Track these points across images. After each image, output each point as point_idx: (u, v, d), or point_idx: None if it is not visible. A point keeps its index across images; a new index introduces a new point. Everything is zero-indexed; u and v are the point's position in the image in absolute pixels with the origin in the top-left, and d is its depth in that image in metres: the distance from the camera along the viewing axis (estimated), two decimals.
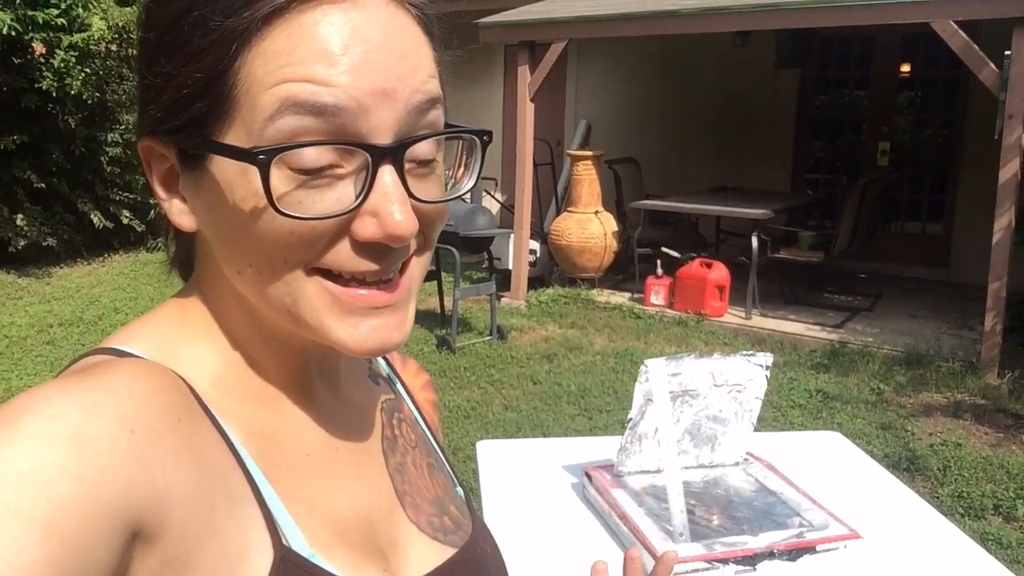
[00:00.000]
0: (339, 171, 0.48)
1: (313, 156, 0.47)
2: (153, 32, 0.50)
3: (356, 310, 0.51)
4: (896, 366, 5.34)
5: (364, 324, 0.51)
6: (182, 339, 0.55)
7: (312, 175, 0.47)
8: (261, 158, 0.46)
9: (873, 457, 1.71)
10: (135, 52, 0.53)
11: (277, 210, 0.47)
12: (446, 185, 0.56)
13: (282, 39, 0.46)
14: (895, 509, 1.45)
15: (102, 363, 0.50)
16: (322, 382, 0.60)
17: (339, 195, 0.48)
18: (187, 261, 0.61)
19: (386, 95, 0.48)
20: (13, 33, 6.66)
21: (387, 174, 0.48)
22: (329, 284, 0.50)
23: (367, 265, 0.50)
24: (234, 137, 0.48)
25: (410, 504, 0.63)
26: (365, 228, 0.48)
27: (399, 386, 0.73)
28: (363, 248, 0.49)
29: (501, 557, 0.70)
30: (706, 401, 1.36)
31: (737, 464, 1.45)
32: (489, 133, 0.55)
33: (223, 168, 0.48)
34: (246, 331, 0.56)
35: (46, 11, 6.97)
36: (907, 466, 3.95)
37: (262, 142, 0.47)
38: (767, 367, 1.38)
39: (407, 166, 0.49)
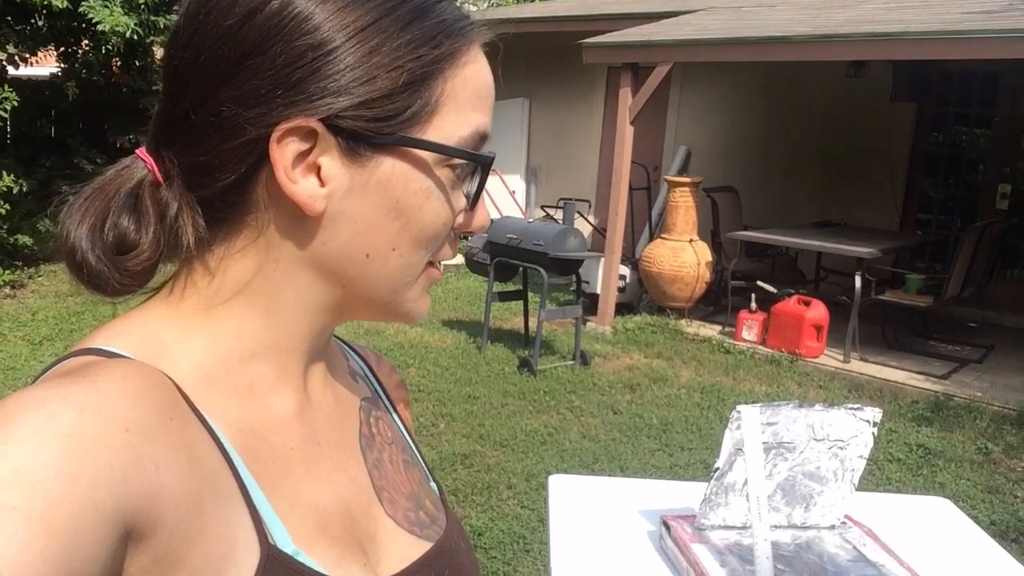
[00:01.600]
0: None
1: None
2: (380, 19, 0.53)
3: (430, 287, 0.62)
4: (1007, 425, 4.97)
5: (428, 297, 0.62)
6: (172, 335, 0.55)
7: (459, 180, 0.58)
8: (487, 162, 0.58)
9: (978, 523, 1.54)
10: (315, 39, 0.52)
11: (472, 202, 0.59)
12: None
13: (472, 67, 0.56)
14: None
15: (92, 364, 0.50)
16: (311, 377, 0.63)
17: (460, 195, 0.59)
18: (152, 269, 0.57)
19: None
20: (135, 37, 6.98)
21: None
22: (430, 268, 0.60)
23: (453, 250, 0.61)
24: (431, 136, 0.55)
25: (387, 499, 0.65)
26: (474, 220, 0.61)
27: (375, 384, 0.76)
28: (455, 237, 0.61)
29: (473, 552, 0.73)
30: (803, 456, 1.24)
31: (833, 528, 1.32)
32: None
33: (412, 159, 0.55)
34: (275, 322, 0.57)
35: (168, 16, 7.30)
36: (1016, 536, 3.64)
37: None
38: (875, 423, 1.24)
39: None
